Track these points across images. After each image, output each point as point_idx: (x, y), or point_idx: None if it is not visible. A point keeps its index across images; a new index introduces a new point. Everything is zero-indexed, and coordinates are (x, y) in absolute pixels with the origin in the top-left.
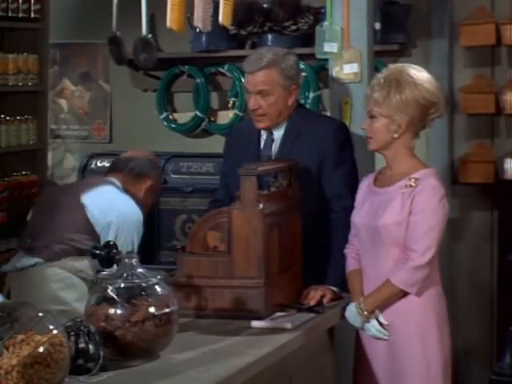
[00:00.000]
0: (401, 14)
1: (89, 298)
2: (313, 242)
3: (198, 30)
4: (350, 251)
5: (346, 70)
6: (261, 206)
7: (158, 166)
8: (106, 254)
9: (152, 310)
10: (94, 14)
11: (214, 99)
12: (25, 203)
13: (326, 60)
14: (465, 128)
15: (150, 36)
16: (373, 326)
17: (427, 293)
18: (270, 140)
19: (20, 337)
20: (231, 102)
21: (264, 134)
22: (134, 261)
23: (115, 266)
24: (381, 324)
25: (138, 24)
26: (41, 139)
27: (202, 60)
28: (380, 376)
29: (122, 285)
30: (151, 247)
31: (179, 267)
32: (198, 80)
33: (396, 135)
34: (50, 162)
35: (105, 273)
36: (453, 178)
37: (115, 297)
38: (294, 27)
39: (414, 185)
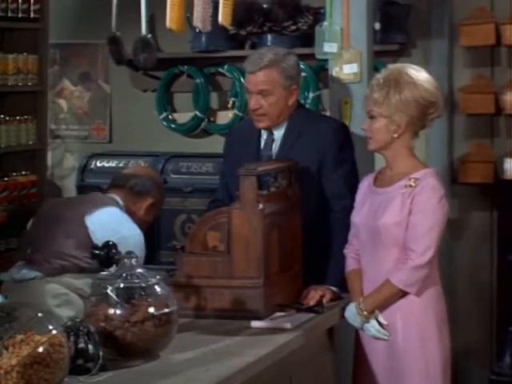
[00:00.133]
0: (401, 13)
1: (90, 296)
2: (313, 242)
3: (197, 30)
4: (349, 251)
5: (346, 70)
6: (260, 206)
7: (159, 184)
8: (106, 254)
9: (151, 310)
10: (93, 13)
11: (214, 99)
12: (25, 203)
13: (326, 60)
14: (464, 128)
15: (149, 36)
16: (372, 326)
17: (427, 293)
18: (271, 140)
19: (20, 337)
20: (231, 102)
21: (264, 134)
22: (134, 261)
23: (115, 266)
24: (380, 324)
25: (137, 24)
26: (40, 139)
27: (202, 60)
28: (380, 376)
29: (122, 285)
30: (151, 247)
31: (179, 267)
32: (198, 80)
33: (396, 135)
34: (49, 162)
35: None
36: (452, 178)
37: (115, 297)
38: (293, 27)
39: (413, 185)
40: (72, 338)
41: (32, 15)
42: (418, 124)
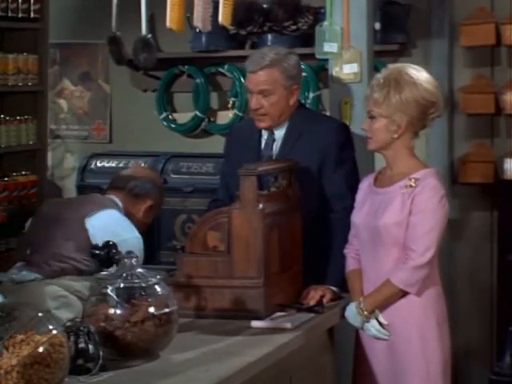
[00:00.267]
0: (401, 13)
1: (89, 299)
2: (313, 242)
3: (197, 30)
4: (349, 251)
5: (346, 69)
6: (261, 206)
7: (159, 186)
8: (106, 254)
9: (152, 310)
10: (94, 13)
11: (214, 99)
12: (25, 203)
13: (326, 60)
14: (465, 128)
15: (149, 36)
16: (373, 326)
17: (427, 293)
18: (272, 140)
19: (20, 337)
20: (231, 102)
21: (265, 134)
22: (134, 261)
23: (115, 266)
24: (381, 324)
25: (137, 24)
26: (41, 139)
27: (202, 60)
28: (380, 376)
29: (122, 285)
30: (151, 247)
31: (179, 267)
32: (198, 80)
33: (396, 135)
34: (49, 162)
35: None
36: (453, 178)
37: (115, 297)
38: (293, 27)
39: (414, 185)
40: (72, 338)
41: (32, 15)
42: (418, 124)
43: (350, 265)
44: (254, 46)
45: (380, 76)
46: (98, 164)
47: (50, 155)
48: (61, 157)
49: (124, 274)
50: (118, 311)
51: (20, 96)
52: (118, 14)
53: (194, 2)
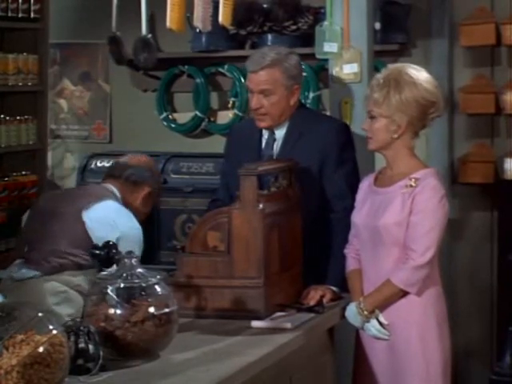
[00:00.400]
0: (401, 14)
1: (89, 299)
2: (313, 242)
3: (197, 30)
4: (349, 251)
5: (346, 70)
6: (261, 206)
7: (156, 173)
8: (106, 254)
9: (152, 310)
10: (94, 13)
11: (214, 99)
12: (25, 203)
13: (326, 60)
14: (465, 128)
15: (149, 36)
16: (373, 326)
17: (427, 293)
18: (272, 140)
19: (20, 337)
20: (231, 102)
21: (266, 134)
22: (134, 261)
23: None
24: (381, 324)
25: (137, 24)
26: (41, 139)
27: (202, 60)
28: (380, 376)
29: (122, 285)
30: (151, 247)
31: (179, 267)
32: (198, 80)
33: (396, 135)
34: (49, 162)
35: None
36: (453, 178)
37: (115, 297)
38: (293, 27)
39: (414, 185)
40: (72, 338)
41: (32, 15)
42: (419, 124)
43: (350, 265)
44: (254, 46)
45: (380, 76)
46: (98, 164)
47: (50, 155)
48: (61, 157)
49: (124, 274)
50: (118, 311)
51: (20, 96)
52: (118, 14)
53: (194, 1)
